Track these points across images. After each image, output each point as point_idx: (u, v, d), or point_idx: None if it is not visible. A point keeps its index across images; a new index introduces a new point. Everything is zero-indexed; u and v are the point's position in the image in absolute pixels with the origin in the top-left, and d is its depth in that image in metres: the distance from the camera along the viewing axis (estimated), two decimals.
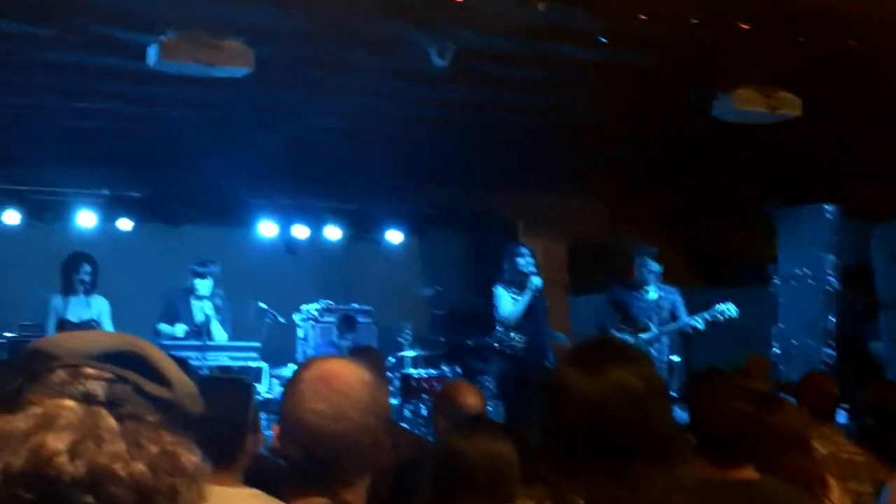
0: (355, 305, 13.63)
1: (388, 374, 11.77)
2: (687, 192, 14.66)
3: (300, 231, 14.01)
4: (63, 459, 1.32)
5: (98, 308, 11.36)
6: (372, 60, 9.19)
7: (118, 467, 1.34)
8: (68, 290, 11.34)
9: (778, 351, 12.22)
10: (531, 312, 11.15)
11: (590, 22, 8.12)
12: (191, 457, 1.43)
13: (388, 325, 13.41)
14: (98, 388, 1.44)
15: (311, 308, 13.28)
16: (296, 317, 13.25)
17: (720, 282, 14.47)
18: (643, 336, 11.29)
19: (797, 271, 12.22)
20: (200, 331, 11.60)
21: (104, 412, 1.40)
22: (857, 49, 8.49)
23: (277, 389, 11.26)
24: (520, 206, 14.75)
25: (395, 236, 14.53)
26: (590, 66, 9.42)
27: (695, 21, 8.00)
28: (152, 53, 7.93)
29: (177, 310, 11.89)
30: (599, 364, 2.61)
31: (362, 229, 14.50)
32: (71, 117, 11.30)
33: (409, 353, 12.95)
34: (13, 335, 11.88)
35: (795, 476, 4.39)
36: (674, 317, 11.41)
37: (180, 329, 11.74)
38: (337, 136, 12.01)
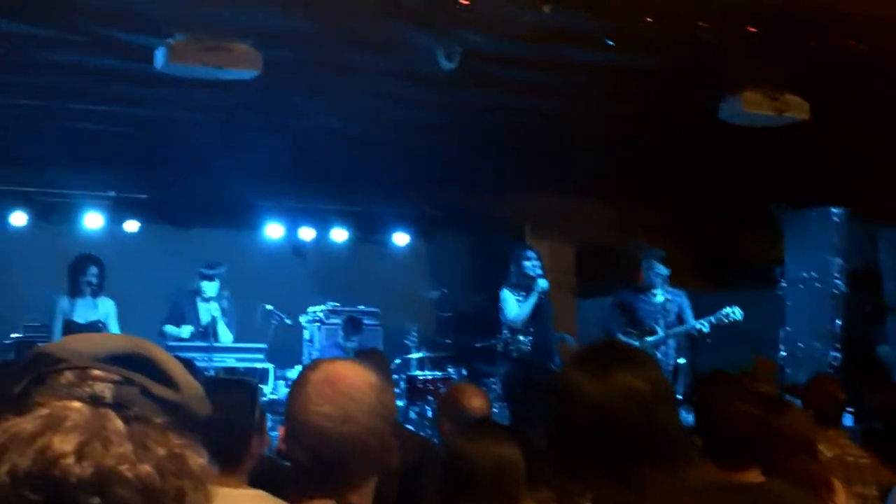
0: (361, 307, 13.64)
1: (394, 375, 11.78)
2: (694, 194, 14.65)
3: (307, 233, 14.02)
4: (70, 461, 1.32)
5: (105, 310, 11.37)
6: (379, 63, 9.20)
7: (125, 469, 1.34)
8: (75, 291, 11.35)
9: (785, 354, 12.20)
10: (537, 315, 11.15)
11: (596, 24, 8.13)
12: (198, 459, 1.44)
13: (394, 327, 13.41)
14: (105, 390, 1.45)
15: (318, 310, 13.30)
16: (302, 318, 13.27)
17: (727, 285, 14.44)
18: (649, 339, 11.28)
19: (804, 274, 12.20)
20: (207, 332, 11.61)
21: (111, 414, 1.40)
22: (864, 51, 8.48)
23: (283, 391, 11.27)
24: (526, 209, 14.74)
25: (401, 238, 14.53)
26: (596, 68, 9.42)
27: (701, 23, 8.00)
28: (160, 56, 7.94)
29: (182, 311, 11.91)
30: (606, 367, 2.61)
31: (369, 231, 14.51)
32: (78, 119, 11.32)
33: (415, 355, 12.95)
34: (19, 336, 11.90)
35: (801, 479, 4.39)
36: (680, 320, 11.40)
37: (186, 331, 11.75)
38: (344, 139, 12.01)
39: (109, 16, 8.10)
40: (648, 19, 7.85)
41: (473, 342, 13.06)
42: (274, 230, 13.80)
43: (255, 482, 3.72)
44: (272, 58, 8.17)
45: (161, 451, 1.39)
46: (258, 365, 11.70)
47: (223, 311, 11.86)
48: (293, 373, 11.79)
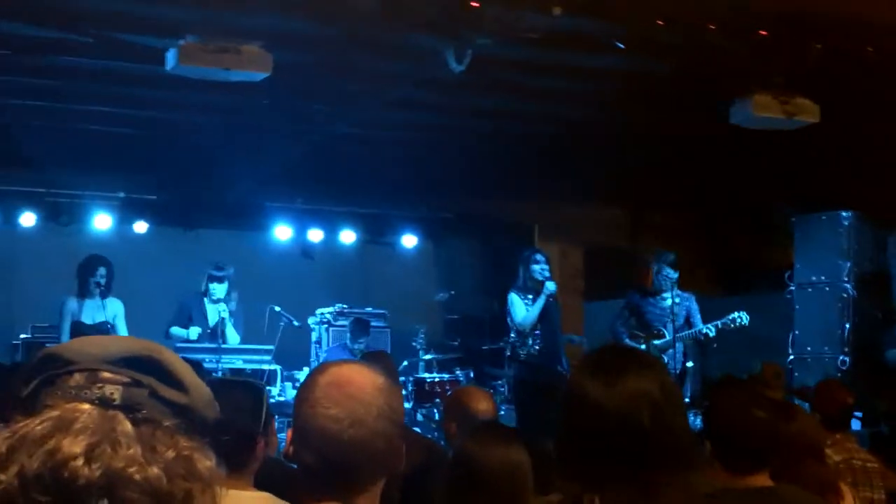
0: (369, 309, 13.64)
1: (402, 378, 11.77)
2: (703, 198, 14.65)
3: (315, 235, 14.02)
4: (79, 463, 1.32)
5: (113, 310, 11.37)
6: (388, 67, 9.22)
7: (134, 471, 1.34)
8: (84, 292, 11.36)
9: (793, 357, 12.18)
10: (545, 318, 11.13)
11: (606, 29, 8.13)
12: (206, 461, 1.43)
13: (401, 329, 13.41)
14: (115, 392, 1.45)
15: (326, 311, 13.30)
16: (310, 320, 13.27)
17: (737, 288, 14.44)
18: (656, 342, 11.27)
19: (813, 278, 12.18)
20: (214, 334, 11.62)
21: (121, 416, 1.40)
22: (874, 55, 8.48)
23: (291, 392, 11.28)
24: (535, 212, 14.75)
25: (409, 240, 14.53)
26: (606, 73, 9.44)
27: (711, 27, 7.99)
28: (171, 58, 7.95)
29: (190, 313, 11.91)
30: (615, 371, 2.61)
31: (377, 233, 14.51)
32: (88, 121, 11.35)
33: (423, 357, 12.95)
34: (27, 336, 11.92)
35: (809, 483, 4.39)
36: (689, 323, 11.38)
37: (194, 332, 11.76)
38: (353, 141, 12.03)
39: (120, 18, 8.13)
40: (659, 23, 7.85)
41: (481, 345, 13.06)
42: (282, 232, 13.81)
43: (262, 484, 3.71)
44: (282, 60, 8.18)
45: (169, 454, 1.39)
46: (266, 366, 11.71)
47: (231, 312, 11.87)
48: (301, 374, 11.81)
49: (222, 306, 11.69)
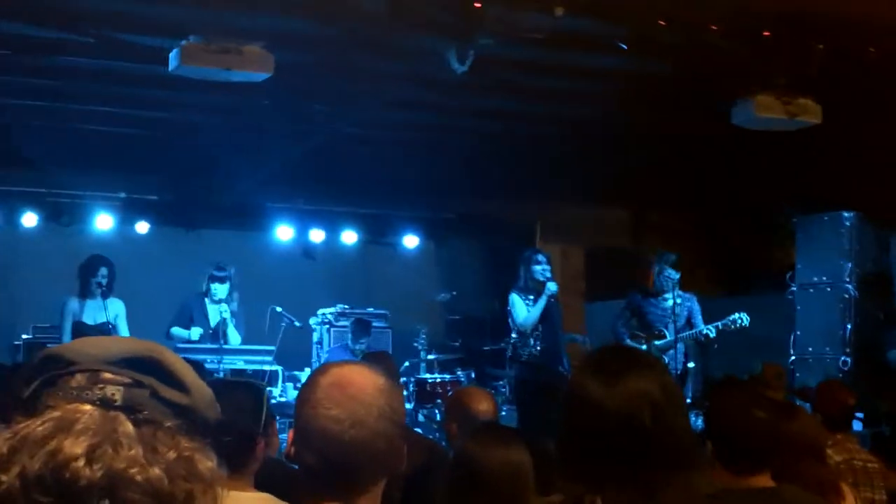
0: (371, 309, 13.63)
1: (403, 378, 11.77)
2: (705, 199, 14.64)
3: (317, 235, 14.02)
4: (80, 464, 1.32)
5: (114, 311, 11.37)
6: (390, 67, 9.22)
7: (135, 472, 1.34)
8: (85, 292, 11.36)
9: (795, 358, 12.18)
10: (546, 318, 11.12)
11: (608, 29, 8.13)
12: (207, 462, 1.43)
13: (403, 330, 13.41)
14: (116, 393, 1.45)
15: (327, 312, 13.30)
16: (311, 320, 13.27)
17: (738, 289, 14.44)
18: (657, 343, 11.26)
19: (815, 279, 12.17)
20: (216, 334, 11.61)
21: (122, 417, 1.40)
22: (876, 55, 8.47)
23: (292, 393, 11.28)
24: (537, 213, 14.75)
25: (411, 241, 14.53)
26: (609, 73, 9.44)
27: (713, 28, 7.99)
28: (173, 58, 7.96)
29: (191, 313, 11.90)
30: (616, 372, 2.61)
31: (378, 234, 14.52)
32: (90, 121, 11.36)
33: (424, 358, 12.95)
34: (29, 337, 11.92)
35: (810, 484, 4.39)
36: (690, 324, 11.38)
37: (196, 332, 11.75)
38: (354, 142, 12.04)
39: (122, 18, 8.13)
40: (661, 23, 7.85)
41: (482, 345, 13.05)
42: (284, 232, 13.81)
43: (263, 485, 3.71)
44: (284, 60, 8.18)
45: (171, 455, 1.39)
46: (267, 367, 11.70)
47: (232, 312, 11.86)
48: (302, 375, 11.80)
49: (224, 307, 11.68)
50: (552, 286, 11.10)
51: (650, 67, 9.21)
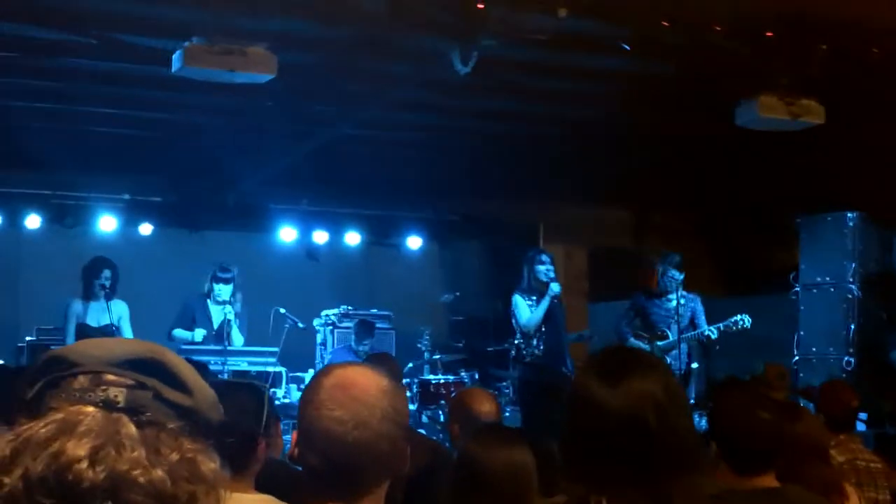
0: (375, 311, 13.64)
1: (407, 379, 11.78)
2: (709, 199, 14.64)
3: (320, 236, 14.03)
4: (83, 466, 1.33)
5: (118, 313, 11.37)
6: (394, 68, 9.23)
7: (138, 474, 1.35)
8: (88, 294, 11.36)
9: (798, 358, 12.17)
10: (550, 319, 11.11)
11: (611, 30, 8.13)
12: (210, 464, 1.44)
13: (406, 331, 13.41)
14: (118, 395, 1.45)
15: (331, 313, 13.31)
16: (315, 322, 13.28)
17: (741, 289, 14.42)
18: (659, 343, 11.27)
19: (819, 279, 12.17)
20: (219, 335, 11.61)
21: (125, 419, 1.41)
22: (879, 56, 8.47)
23: (296, 394, 11.28)
24: (541, 214, 14.76)
25: (414, 242, 14.54)
26: (612, 75, 9.44)
27: (717, 28, 7.99)
28: (176, 59, 7.96)
29: (194, 314, 11.89)
30: (620, 373, 2.61)
31: (382, 235, 14.52)
32: (93, 122, 11.37)
33: (428, 359, 12.95)
34: (32, 339, 11.92)
35: (814, 484, 4.40)
36: (693, 324, 11.38)
37: (199, 334, 11.74)
38: (358, 143, 12.04)
39: (125, 20, 8.14)
40: (664, 24, 7.85)
41: (486, 346, 13.05)
42: (287, 233, 13.82)
43: (266, 486, 3.72)
44: (287, 62, 8.18)
45: (173, 456, 1.39)
46: (271, 368, 11.71)
47: (235, 314, 11.86)
48: (306, 376, 11.81)
49: (228, 308, 11.68)
50: (555, 287, 11.09)
51: (653, 68, 9.21)
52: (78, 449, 1.34)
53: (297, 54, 8.64)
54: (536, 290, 11.18)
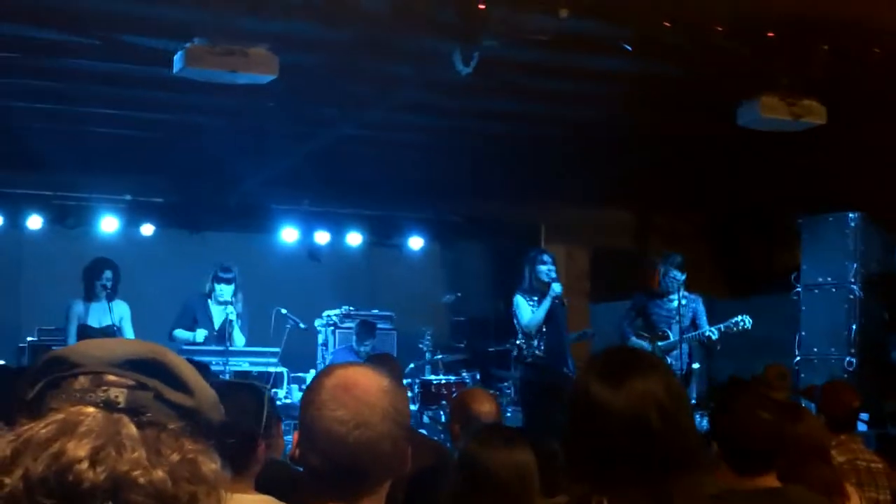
0: (376, 311, 13.64)
1: (408, 379, 11.78)
2: (710, 200, 14.64)
3: (322, 237, 14.03)
4: (83, 466, 1.33)
5: (119, 313, 11.36)
6: (396, 69, 9.23)
7: (138, 475, 1.35)
8: (90, 295, 11.36)
9: (800, 359, 12.17)
10: (551, 319, 11.12)
11: (613, 31, 8.13)
12: (211, 464, 1.44)
13: (408, 331, 13.41)
14: (119, 395, 1.45)
15: (332, 314, 13.31)
16: (317, 322, 13.28)
17: (743, 290, 14.42)
18: (660, 343, 11.27)
19: (820, 279, 12.16)
20: (221, 335, 11.61)
21: (125, 419, 1.41)
22: (880, 56, 8.47)
23: (297, 395, 11.27)
24: (542, 214, 14.76)
25: (416, 242, 14.54)
26: (614, 75, 9.44)
27: (719, 29, 7.99)
28: (177, 60, 7.96)
29: (195, 315, 11.88)
30: (621, 374, 2.61)
31: (384, 235, 14.53)
32: (95, 123, 11.37)
33: (429, 359, 12.95)
34: (34, 339, 11.92)
35: (815, 484, 4.40)
36: (695, 325, 11.38)
37: (201, 334, 11.74)
38: (360, 143, 12.04)
39: (127, 21, 8.15)
40: (666, 25, 7.85)
41: (487, 346, 13.05)
42: (289, 234, 13.82)
43: (266, 487, 3.72)
44: (289, 62, 8.18)
45: (174, 457, 1.39)
46: (272, 369, 11.70)
47: (238, 314, 11.85)
48: (307, 377, 11.80)
49: (230, 308, 11.68)
50: (557, 287, 11.10)
51: (655, 69, 9.21)
52: (78, 449, 1.34)
53: (299, 55, 8.64)
54: (538, 290, 11.19)
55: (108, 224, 12.90)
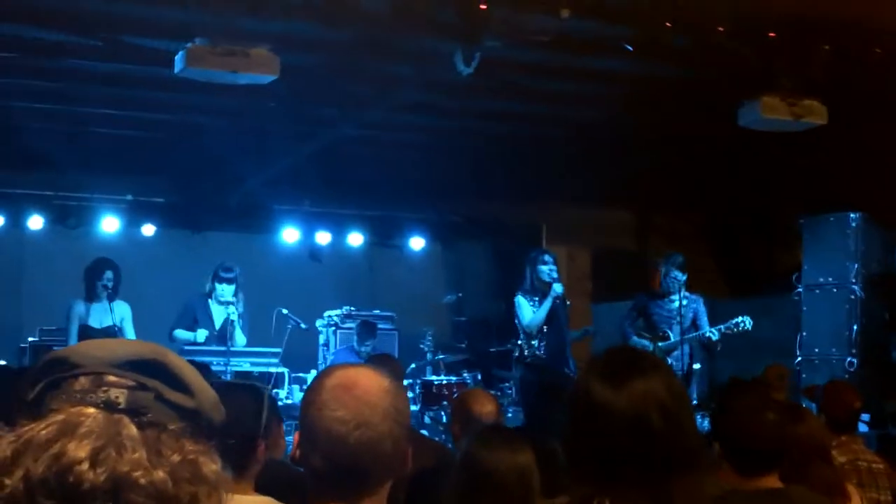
0: (377, 311, 13.63)
1: (409, 380, 11.78)
2: (712, 201, 14.63)
3: (323, 237, 14.03)
4: (84, 467, 1.32)
5: (120, 314, 11.36)
6: (397, 69, 9.23)
7: (139, 475, 1.34)
8: (91, 295, 11.35)
9: (801, 359, 12.16)
10: (553, 319, 11.12)
11: (614, 31, 8.13)
12: (212, 465, 1.43)
13: (409, 332, 13.40)
14: (120, 396, 1.45)
15: (334, 314, 13.30)
16: (318, 322, 13.27)
17: (744, 290, 14.42)
18: (661, 344, 11.27)
19: (821, 279, 12.16)
20: (222, 336, 11.60)
21: (126, 420, 1.40)
22: (881, 56, 8.47)
23: (298, 395, 11.26)
24: (543, 214, 14.76)
25: (417, 243, 14.53)
26: (615, 76, 9.44)
27: (720, 30, 7.99)
28: (179, 60, 7.96)
29: (195, 314, 11.87)
30: (624, 375, 2.61)
31: (385, 236, 14.52)
32: (96, 123, 11.38)
33: (431, 360, 12.95)
34: (35, 339, 11.92)
35: (816, 485, 4.40)
36: (696, 325, 11.38)
37: (202, 334, 11.73)
38: (361, 144, 12.05)
39: (128, 21, 8.15)
40: (667, 25, 7.85)
41: (489, 347, 13.05)
42: (290, 234, 13.82)
43: (267, 487, 3.72)
44: (290, 63, 8.18)
45: (175, 458, 1.39)
46: (273, 369, 11.70)
47: (238, 314, 11.84)
48: (309, 377, 11.79)
49: (232, 309, 11.66)
50: (558, 288, 11.10)
51: (656, 69, 9.21)
52: (79, 450, 1.34)
53: (300, 55, 8.64)
54: (539, 290, 11.19)
55: (110, 224, 12.89)
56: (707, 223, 15.30)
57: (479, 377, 12.48)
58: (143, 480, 1.34)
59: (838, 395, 6.79)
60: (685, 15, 7.89)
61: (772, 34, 8.20)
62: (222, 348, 11.38)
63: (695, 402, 10.82)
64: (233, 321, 11.60)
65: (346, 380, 2.60)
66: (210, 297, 11.85)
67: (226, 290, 11.71)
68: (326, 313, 13.33)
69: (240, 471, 3.68)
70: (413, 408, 11.04)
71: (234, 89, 8.51)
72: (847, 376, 11.25)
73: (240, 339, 11.73)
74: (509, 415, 11.08)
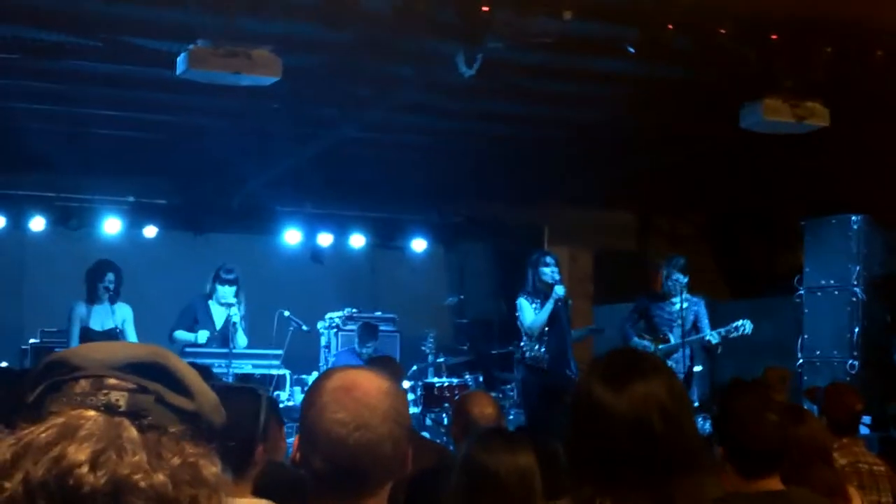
0: (379, 313, 13.63)
1: (411, 382, 11.78)
2: (713, 203, 14.64)
3: (325, 239, 14.03)
4: (84, 470, 1.32)
5: (122, 316, 11.35)
6: (399, 71, 9.23)
7: (139, 478, 1.34)
8: (92, 298, 11.34)
9: (802, 361, 12.15)
10: (555, 321, 11.12)
11: (617, 33, 8.14)
12: (212, 468, 1.43)
13: (411, 334, 13.41)
14: (120, 399, 1.44)
15: (335, 316, 13.30)
16: (319, 324, 13.27)
17: (746, 292, 14.42)
18: (661, 346, 11.26)
19: (823, 282, 12.15)
20: (224, 337, 11.60)
21: (126, 423, 1.40)
22: (884, 58, 8.47)
23: (300, 397, 11.26)
24: (545, 216, 14.76)
25: (419, 245, 14.54)
26: (618, 78, 9.45)
27: (723, 31, 7.99)
28: (181, 62, 7.96)
29: (196, 316, 11.87)
30: (625, 377, 2.61)
31: (387, 237, 14.52)
32: (98, 125, 11.39)
33: (432, 362, 12.94)
34: (36, 341, 11.93)
35: (817, 487, 4.40)
36: (697, 327, 11.38)
37: (203, 335, 11.73)
38: (363, 145, 12.05)
39: (130, 22, 8.16)
40: (670, 27, 7.85)
41: (490, 349, 13.05)
42: (292, 236, 13.82)
43: (266, 490, 3.71)
44: (292, 64, 8.19)
45: (175, 461, 1.39)
46: (275, 371, 11.71)
47: (241, 316, 11.84)
48: (310, 379, 11.79)
49: (234, 310, 11.66)
50: (560, 290, 11.10)
51: (658, 71, 9.21)
52: (79, 453, 1.33)
53: (302, 57, 8.64)
54: (541, 292, 11.19)
55: (111, 226, 12.90)
56: (708, 224, 15.31)
57: (481, 379, 12.49)
58: (143, 483, 1.34)
59: (839, 398, 6.79)
60: (687, 17, 7.89)
61: (773, 36, 8.20)
62: (224, 350, 11.38)
63: (696, 403, 10.82)
64: (234, 323, 11.60)
65: (346, 382, 2.60)
66: (211, 297, 11.85)
67: (226, 292, 11.71)
68: (328, 315, 13.34)
69: (238, 473, 3.67)
70: (414, 410, 11.05)
71: (237, 91, 8.52)
72: (848, 378, 11.24)
73: (241, 340, 11.73)
74: (511, 417, 11.09)
